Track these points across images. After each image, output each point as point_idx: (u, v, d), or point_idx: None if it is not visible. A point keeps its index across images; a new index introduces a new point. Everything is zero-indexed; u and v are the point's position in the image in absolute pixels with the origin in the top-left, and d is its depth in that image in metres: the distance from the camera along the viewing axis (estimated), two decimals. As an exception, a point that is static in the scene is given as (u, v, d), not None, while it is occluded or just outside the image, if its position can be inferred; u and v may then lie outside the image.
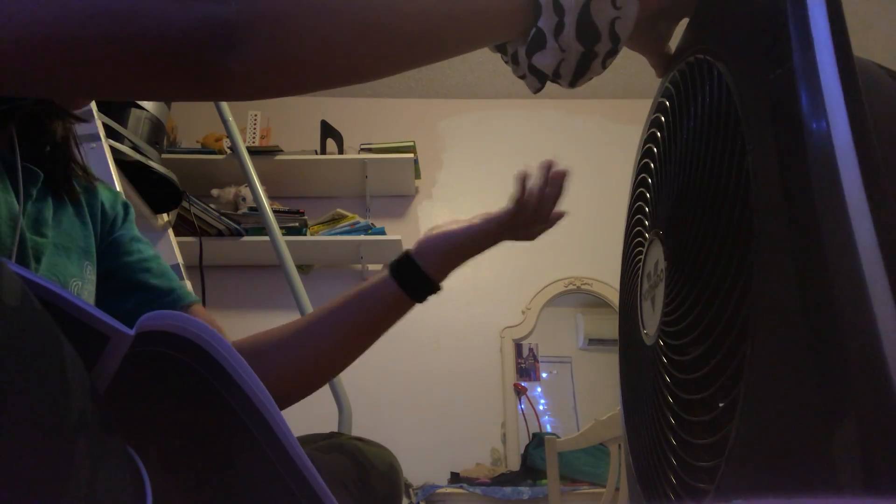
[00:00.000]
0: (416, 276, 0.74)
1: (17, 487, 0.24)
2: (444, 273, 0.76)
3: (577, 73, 0.50)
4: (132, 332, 0.31)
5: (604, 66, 0.50)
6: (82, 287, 0.63)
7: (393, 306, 0.74)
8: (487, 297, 2.85)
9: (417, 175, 2.97)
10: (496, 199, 3.14)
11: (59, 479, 0.25)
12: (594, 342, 2.83)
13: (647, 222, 0.61)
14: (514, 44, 0.51)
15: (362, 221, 2.70)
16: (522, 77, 0.53)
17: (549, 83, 0.52)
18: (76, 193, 0.66)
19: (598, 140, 3.10)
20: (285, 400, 0.71)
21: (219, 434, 0.38)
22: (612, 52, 0.49)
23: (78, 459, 0.26)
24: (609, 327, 2.79)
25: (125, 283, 0.69)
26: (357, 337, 0.73)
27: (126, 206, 0.75)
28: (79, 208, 0.67)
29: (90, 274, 0.65)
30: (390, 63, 0.47)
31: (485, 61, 2.96)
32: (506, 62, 0.54)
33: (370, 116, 3.12)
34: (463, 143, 3.12)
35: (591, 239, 2.90)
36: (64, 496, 0.25)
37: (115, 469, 0.29)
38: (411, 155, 2.78)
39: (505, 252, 3.26)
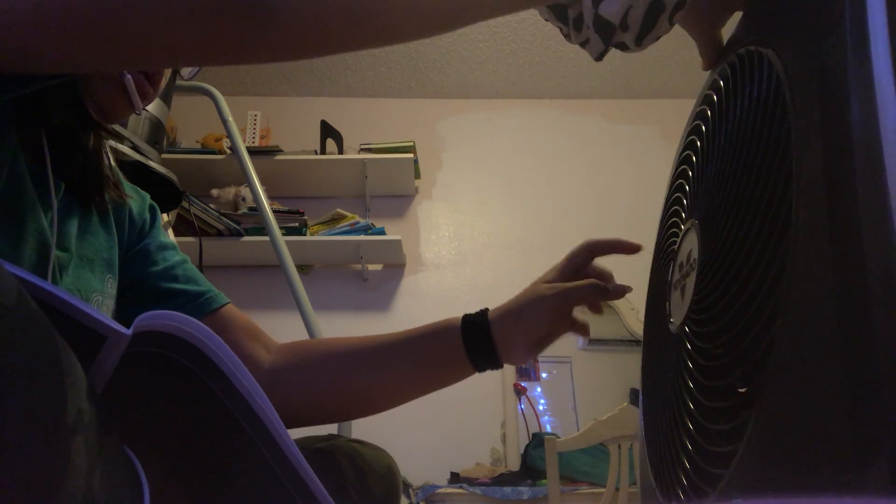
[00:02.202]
0: (486, 351, 0.66)
1: (14, 487, 0.24)
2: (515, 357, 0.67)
3: (645, 25, 0.49)
4: (129, 331, 0.31)
5: (671, 23, 0.50)
6: (102, 302, 0.63)
7: (449, 362, 0.67)
8: (487, 297, 2.83)
9: (417, 175, 2.97)
10: (496, 199, 3.11)
11: (56, 480, 0.25)
12: (594, 342, 2.82)
13: (683, 213, 0.61)
14: (577, 5, 0.50)
15: (362, 221, 2.70)
16: (584, 44, 0.52)
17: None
18: (105, 206, 0.66)
19: (597, 140, 3.10)
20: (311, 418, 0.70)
21: (215, 435, 0.38)
22: (680, 5, 0.49)
23: (75, 460, 0.26)
24: (609, 327, 2.79)
25: (153, 292, 0.69)
26: (402, 382, 0.69)
27: (153, 211, 0.74)
28: (105, 218, 0.67)
29: (111, 288, 0.65)
30: (437, 20, 0.46)
31: (485, 61, 2.96)
32: (565, 35, 0.53)
33: (370, 116, 3.12)
34: (463, 143, 3.12)
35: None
36: (61, 496, 0.25)
37: (113, 469, 0.29)
38: (411, 155, 2.78)
39: (505, 252, 3.24)
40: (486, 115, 3.16)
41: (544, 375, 2.78)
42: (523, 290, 0.68)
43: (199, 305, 0.70)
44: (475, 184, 3.04)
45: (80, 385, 0.28)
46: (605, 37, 0.50)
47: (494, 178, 3.05)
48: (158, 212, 0.75)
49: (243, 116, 2.85)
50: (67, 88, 0.55)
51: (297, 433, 0.59)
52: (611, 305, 2.77)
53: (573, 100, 3.16)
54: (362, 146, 2.82)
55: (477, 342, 0.65)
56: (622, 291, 0.67)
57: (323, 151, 2.80)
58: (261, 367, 0.70)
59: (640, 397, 0.65)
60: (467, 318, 0.67)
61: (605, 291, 0.66)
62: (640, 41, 0.50)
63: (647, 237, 0.72)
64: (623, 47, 0.52)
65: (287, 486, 0.40)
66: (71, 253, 0.60)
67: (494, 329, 0.66)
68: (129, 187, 0.72)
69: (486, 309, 0.68)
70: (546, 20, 0.54)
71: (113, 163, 0.66)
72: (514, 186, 3.02)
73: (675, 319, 0.55)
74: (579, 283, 0.67)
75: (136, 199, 0.72)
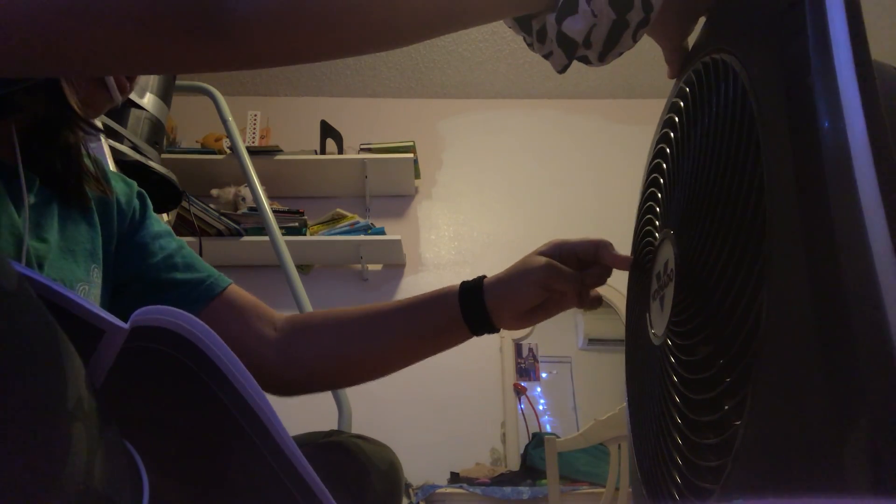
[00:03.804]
0: (480, 313, 0.70)
1: (15, 468, 0.24)
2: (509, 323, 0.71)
3: (608, 42, 0.49)
4: (126, 325, 0.31)
5: (634, 39, 0.50)
6: (89, 291, 0.63)
7: (447, 327, 0.71)
8: (487, 297, 2.84)
9: (417, 175, 2.97)
10: (496, 199, 3.11)
11: (57, 463, 0.25)
12: (594, 342, 2.82)
13: (657, 222, 0.61)
14: (541, 18, 0.50)
15: (362, 221, 2.70)
16: (548, 56, 0.51)
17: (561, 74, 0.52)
18: (86, 200, 0.66)
19: (597, 140, 3.10)
20: (312, 385, 0.72)
21: (213, 431, 0.38)
22: (644, 23, 0.49)
23: (75, 445, 0.26)
24: (609, 327, 2.79)
25: (154, 284, 0.69)
26: (403, 345, 0.72)
27: (142, 198, 0.74)
28: (87, 211, 0.66)
29: (96, 277, 0.65)
30: (408, 31, 0.45)
31: (485, 61, 2.96)
32: (529, 45, 0.53)
33: (370, 116, 3.12)
34: (463, 143, 3.12)
35: (590, 239, 2.90)
36: (62, 480, 0.25)
37: (112, 459, 0.29)
38: (411, 155, 2.78)
39: (505, 252, 3.24)
40: (486, 115, 3.16)
41: (544, 375, 2.78)
42: (518, 260, 0.71)
43: (201, 292, 0.70)
44: (475, 184, 3.04)
45: (80, 374, 0.28)
46: (567, 52, 0.50)
47: (494, 178, 3.05)
48: (148, 199, 0.75)
49: (243, 116, 2.84)
50: (51, 83, 0.55)
51: (297, 430, 0.59)
52: (610, 305, 2.77)
53: (573, 100, 3.16)
54: (362, 146, 2.82)
55: (472, 306, 0.69)
56: (602, 276, 0.69)
57: (323, 151, 2.80)
58: (270, 344, 0.71)
59: (627, 410, 0.64)
60: (464, 283, 0.71)
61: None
62: (603, 58, 0.51)
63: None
64: (586, 61, 0.52)
65: (286, 482, 0.40)
66: (50, 244, 0.59)
67: (487, 293, 0.69)
68: (114, 176, 0.72)
69: (484, 276, 0.72)
70: (509, 27, 0.54)
71: (99, 155, 0.66)
72: (515, 186, 3.02)
73: (657, 331, 0.55)
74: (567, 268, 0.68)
75: (123, 189, 0.72)
